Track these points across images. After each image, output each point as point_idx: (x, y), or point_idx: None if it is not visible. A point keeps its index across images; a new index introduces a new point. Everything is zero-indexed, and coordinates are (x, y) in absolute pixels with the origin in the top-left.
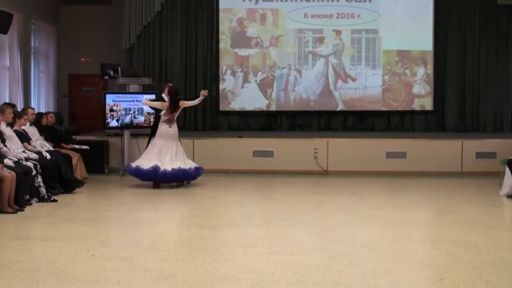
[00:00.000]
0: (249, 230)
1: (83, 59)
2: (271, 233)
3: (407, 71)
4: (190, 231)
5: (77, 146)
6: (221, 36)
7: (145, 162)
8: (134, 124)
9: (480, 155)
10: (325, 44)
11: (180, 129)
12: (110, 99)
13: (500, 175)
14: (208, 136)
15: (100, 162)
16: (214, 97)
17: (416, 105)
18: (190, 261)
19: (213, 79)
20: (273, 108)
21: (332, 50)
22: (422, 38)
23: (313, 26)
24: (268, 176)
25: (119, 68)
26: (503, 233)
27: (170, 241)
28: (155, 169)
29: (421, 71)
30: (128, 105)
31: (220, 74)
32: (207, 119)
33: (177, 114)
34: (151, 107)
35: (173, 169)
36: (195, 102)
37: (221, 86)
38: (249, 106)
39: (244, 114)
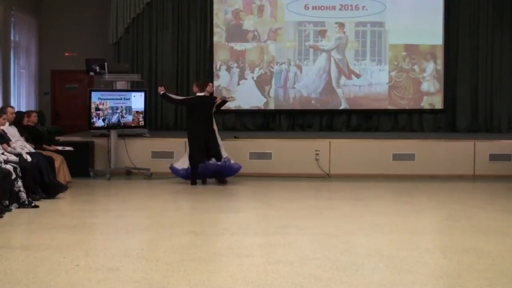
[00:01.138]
0: (245, 238)
1: (67, 54)
2: (269, 241)
3: (416, 67)
4: (182, 239)
5: (60, 148)
6: (215, 29)
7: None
8: (122, 124)
9: (494, 157)
10: (327, 37)
11: (171, 128)
12: (95, 97)
13: None
14: None
15: (85, 165)
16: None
17: (425, 104)
18: (182, 272)
19: (206, 75)
20: (271, 106)
21: (335, 44)
22: (432, 31)
23: (314, 18)
24: (266, 180)
25: (106, 63)
26: None
27: (160, 250)
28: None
29: (430, 66)
30: (115, 103)
31: (214, 70)
32: None
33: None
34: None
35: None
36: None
37: (215, 83)
38: (246, 105)
39: (240, 113)
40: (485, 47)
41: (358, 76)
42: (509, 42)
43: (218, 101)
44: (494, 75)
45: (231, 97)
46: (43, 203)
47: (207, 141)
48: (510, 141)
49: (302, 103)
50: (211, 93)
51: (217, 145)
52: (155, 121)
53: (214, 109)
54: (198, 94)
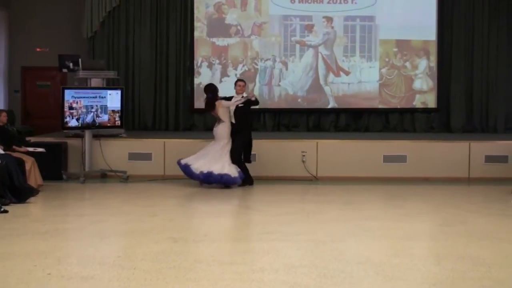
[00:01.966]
0: (227, 244)
1: (38, 49)
2: (253, 248)
3: (408, 64)
4: (161, 245)
5: (31, 149)
6: (196, 24)
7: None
8: (97, 124)
9: (490, 159)
10: (314, 32)
11: (149, 129)
12: (69, 95)
13: (511, 181)
14: (181, 137)
15: (57, 167)
16: (188, 93)
17: (418, 102)
18: (161, 280)
19: (187, 72)
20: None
21: (323, 40)
22: (425, 26)
23: (300, 12)
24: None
25: (80, 59)
26: None
27: (137, 258)
28: (185, 166)
29: (423, 63)
30: (89, 102)
31: (195, 67)
32: (180, 118)
33: (218, 113)
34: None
35: (201, 172)
36: (232, 103)
37: (196, 81)
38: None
39: None
40: (480, 42)
41: (347, 73)
42: (506, 38)
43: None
44: (490, 72)
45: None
46: (13, 208)
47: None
48: (506, 141)
49: (288, 102)
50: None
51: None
52: (132, 121)
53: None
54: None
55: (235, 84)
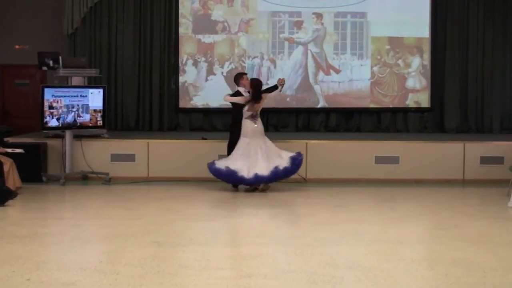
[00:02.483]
0: (214, 249)
1: (17, 47)
2: (240, 252)
3: (400, 62)
4: (144, 250)
5: (9, 150)
6: (181, 20)
7: (229, 162)
8: (78, 124)
9: (485, 160)
10: (303, 29)
11: (132, 129)
12: (49, 94)
13: (507, 183)
14: (166, 138)
15: (36, 169)
16: (173, 91)
17: (411, 102)
18: (144, 286)
19: (171, 70)
20: None
21: (312, 37)
22: (418, 23)
23: (289, 8)
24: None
25: (60, 57)
26: None
27: (120, 263)
28: (231, 172)
29: (416, 61)
30: (70, 101)
31: (180, 64)
32: (164, 117)
33: (260, 108)
34: (231, 103)
35: (269, 169)
36: (276, 92)
37: (181, 79)
38: (214, 103)
39: (208, 112)
40: (475, 40)
41: (337, 71)
42: (502, 35)
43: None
44: (485, 71)
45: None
46: None
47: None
48: (502, 142)
49: (276, 101)
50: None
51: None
52: (114, 121)
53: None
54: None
55: (243, 78)
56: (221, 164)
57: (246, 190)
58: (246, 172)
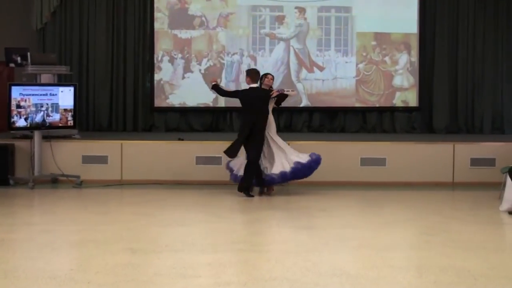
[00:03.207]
0: (191, 255)
1: None
2: (218, 259)
3: (387, 59)
4: (117, 257)
5: None
6: (156, 14)
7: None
8: (48, 124)
9: (476, 162)
10: (285, 24)
11: (105, 129)
12: (16, 92)
13: (499, 186)
14: (140, 139)
15: (3, 172)
16: (148, 90)
17: (398, 101)
18: None
19: (146, 67)
20: (222, 104)
21: (295, 32)
22: (405, 18)
23: (270, 2)
24: (215, 188)
25: (29, 53)
26: (504, 258)
27: (91, 270)
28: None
29: (403, 58)
30: (39, 100)
31: (155, 61)
32: (138, 117)
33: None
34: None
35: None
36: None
37: (157, 77)
38: (192, 102)
39: (185, 112)
40: (465, 36)
41: (321, 69)
42: (493, 31)
43: (274, 93)
44: (476, 69)
45: (291, 90)
46: None
47: (250, 136)
48: (494, 143)
49: None
50: (270, 87)
51: (258, 145)
52: (86, 121)
53: (272, 104)
54: (251, 85)
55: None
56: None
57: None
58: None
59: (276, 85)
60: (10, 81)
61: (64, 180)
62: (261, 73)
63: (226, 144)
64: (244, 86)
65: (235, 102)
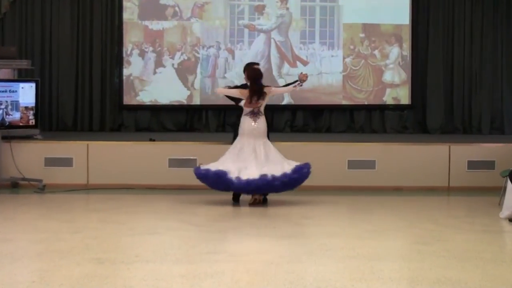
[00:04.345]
0: (163, 266)
1: None
2: (193, 270)
3: (376, 52)
4: (83, 268)
5: None
6: (125, 4)
7: (218, 164)
8: (7, 123)
9: (473, 165)
10: (266, 15)
11: (70, 129)
12: None
13: (499, 191)
14: (108, 139)
15: None
16: (116, 86)
17: (389, 98)
18: None
19: (114, 62)
20: (197, 101)
21: (276, 24)
22: (396, 8)
23: None
24: (189, 193)
25: None
26: (503, 270)
27: (55, 282)
28: (220, 173)
29: (394, 52)
30: None
31: (124, 55)
32: (106, 116)
33: (262, 104)
34: (227, 97)
35: (261, 175)
36: (290, 88)
37: (126, 72)
38: (164, 99)
39: (156, 110)
40: (462, 28)
41: (304, 63)
42: (492, 22)
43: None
44: (473, 62)
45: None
46: None
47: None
48: (493, 144)
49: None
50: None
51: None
52: (49, 120)
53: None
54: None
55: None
56: (209, 166)
57: (249, 204)
58: (237, 174)
59: None
60: None
61: (25, 184)
62: (239, 69)
63: (201, 145)
64: (218, 81)
65: (211, 100)
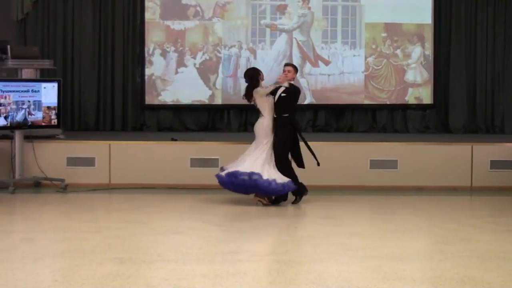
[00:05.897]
0: (185, 266)
1: None
2: (215, 270)
3: (399, 52)
4: (105, 267)
5: None
6: (147, 4)
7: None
8: (29, 123)
9: (495, 165)
10: (288, 14)
11: (92, 129)
12: None
13: None
14: (130, 139)
15: None
16: (138, 86)
17: (411, 98)
18: None
19: (136, 61)
20: (218, 101)
21: (298, 23)
22: (419, 7)
23: None
24: (211, 193)
25: (8, 46)
26: None
27: (77, 282)
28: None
29: (417, 51)
30: (20, 97)
31: (146, 55)
32: (128, 115)
33: (258, 104)
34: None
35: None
36: (270, 88)
37: (148, 72)
38: (186, 99)
39: (179, 109)
40: (485, 27)
41: (326, 63)
42: None
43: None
44: (496, 62)
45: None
46: None
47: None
48: None
49: None
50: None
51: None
52: (71, 120)
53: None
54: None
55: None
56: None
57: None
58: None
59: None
60: None
61: (48, 184)
62: (261, 68)
63: (223, 145)
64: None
65: (233, 100)
